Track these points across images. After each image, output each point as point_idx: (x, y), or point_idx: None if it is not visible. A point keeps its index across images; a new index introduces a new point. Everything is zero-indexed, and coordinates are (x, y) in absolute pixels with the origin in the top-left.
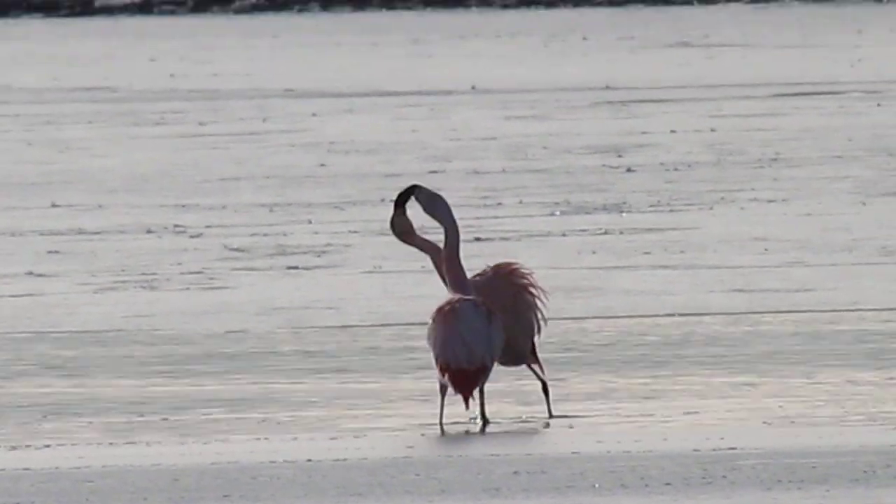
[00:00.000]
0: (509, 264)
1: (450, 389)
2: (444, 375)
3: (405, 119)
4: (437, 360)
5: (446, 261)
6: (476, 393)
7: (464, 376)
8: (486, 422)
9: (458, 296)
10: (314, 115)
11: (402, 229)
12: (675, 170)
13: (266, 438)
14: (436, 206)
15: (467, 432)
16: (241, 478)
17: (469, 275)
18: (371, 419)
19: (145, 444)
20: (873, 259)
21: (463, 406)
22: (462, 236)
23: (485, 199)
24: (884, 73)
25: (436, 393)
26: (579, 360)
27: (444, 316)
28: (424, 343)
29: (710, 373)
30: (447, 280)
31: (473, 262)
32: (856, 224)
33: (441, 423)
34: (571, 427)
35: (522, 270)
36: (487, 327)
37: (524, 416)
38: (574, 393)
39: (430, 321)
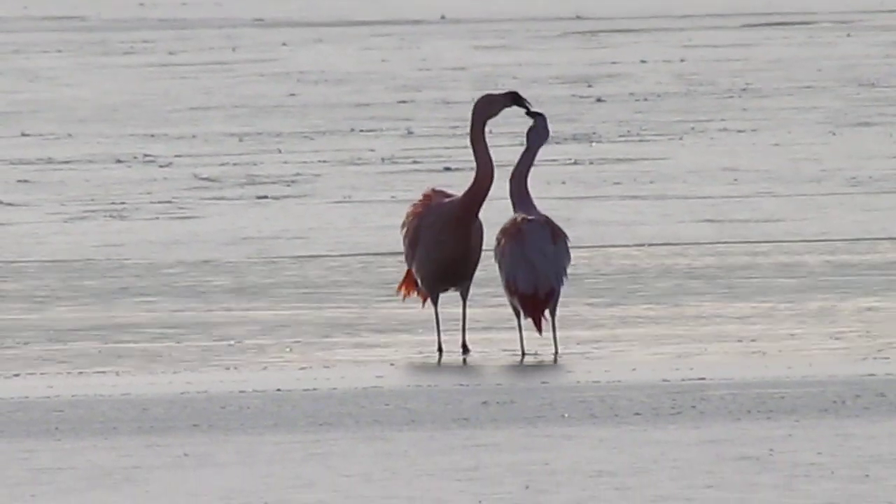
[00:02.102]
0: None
1: (521, 311)
2: (513, 297)
3: (375, 49)
4: (505, 283)
5: (517, 179)
6: (548, 314)
7: (533, 301)
8: (557, 349)
9: (522, 215)
10: (284, 44)
11: (486, 117)
12: (645, 100)
13: (235, 368)
14: (536, 128)
15: (438, 363)
16: (211, 407)
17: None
18: (341, 349)
19: (115, 373)
20: (842, 189)
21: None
22: (431, 166)
23: (454, 128)
24: (854, 3)
25: (396, 322)
26: None
27: (512, 237)
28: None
29: (679, 303)
30: (514, 199)
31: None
32: (825, 154)
33: (522, 348)
34: (540, 357)
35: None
36: (553, 248)
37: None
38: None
39: (497, 242)
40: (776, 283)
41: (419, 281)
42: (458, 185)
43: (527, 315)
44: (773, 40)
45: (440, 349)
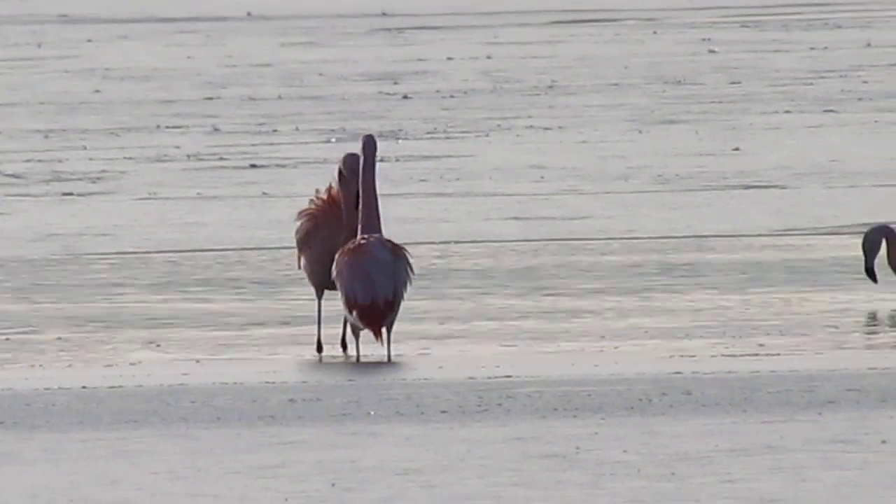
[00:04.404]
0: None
1: (360, 326)
2: (352, 313)
3: (181, 45)
4: (345, 298)
5: (365, 197)
6: (384, 330)
7: (371, 311)
8: (389, 360)
9: (365, 235)
10: (89, 41)
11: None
12: (452, 97)
13: (41, 366)
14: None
15: (320, 361)
16: (16, 405)
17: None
18: (144, 346)
19: None
20: (649, 187)
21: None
22: (237, 163)
23: (261, 125)
24: (660, 2)
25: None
26: None
27: (351, 252)
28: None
29: (483, 300)
30: (361, 218)
31: (250, 188)
32: (631, 152)
33: (358, 354)
34: (347, 355)
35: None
36: (393, 260)
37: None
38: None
39: (336, 262)
40: (582, 281)
41: (307, 278)
42: (264, 181)
43: (366, 326)
44: (580, 38)
45: (319, 347)
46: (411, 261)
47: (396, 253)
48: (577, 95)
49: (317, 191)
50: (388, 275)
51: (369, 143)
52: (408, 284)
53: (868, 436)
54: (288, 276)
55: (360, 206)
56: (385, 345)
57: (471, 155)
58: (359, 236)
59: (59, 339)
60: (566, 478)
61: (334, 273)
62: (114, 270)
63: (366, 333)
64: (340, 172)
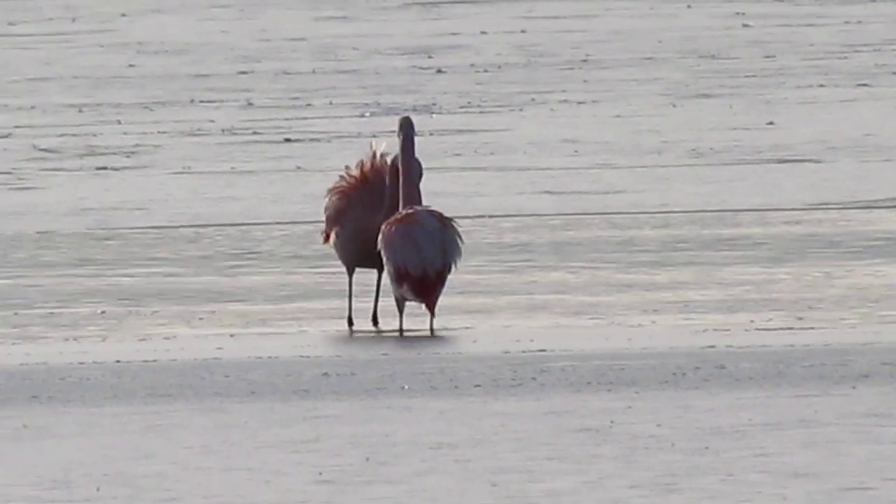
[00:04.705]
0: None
1: (410, 298)
2: (402, 285)
3: (214, 20)
4: (395, 269)
5: (405, 174)
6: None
7: (423, 283)
8: (432, 333)
9: (409, 206)
10: (123, 15)
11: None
12: (486, 71)
13: (75, 339)
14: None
15: (350, 335)
16: (50, 379)
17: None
18: (178, 320)
19: None
20: (683, 161)
21: (429, 317)
22: (271, 137)
23: (295, 99)
24: None
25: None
26: None
27: (399, 222)
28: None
29: (519, 274)
30: (402, 195)
31: (284, 162)
32: (665, 126)
33: (401, 327)
34: (380, 330)
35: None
36: (441, 232)
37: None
38: (386, 295)
39: (382, 233)
40: (616, 255)
41: (337, 256)
42: (298, 155)
43: (418, 298)
44: (614, 11)
45: (350, 321)
46: (461, 231)
47: (444, 223)
48: (611, 69)
49: (346, 167)
50: (436, 244)
51: (407, 124)
52: (458, 256)
53: None
54: (320, 251)
55: (402, 183)
56: (430, 317)
57: (505, 129)
58: (402, 209)
59: (102, 312)
60: (600, 451)
61: (380, 244)
62: (148, 245)
63: (410, 305)
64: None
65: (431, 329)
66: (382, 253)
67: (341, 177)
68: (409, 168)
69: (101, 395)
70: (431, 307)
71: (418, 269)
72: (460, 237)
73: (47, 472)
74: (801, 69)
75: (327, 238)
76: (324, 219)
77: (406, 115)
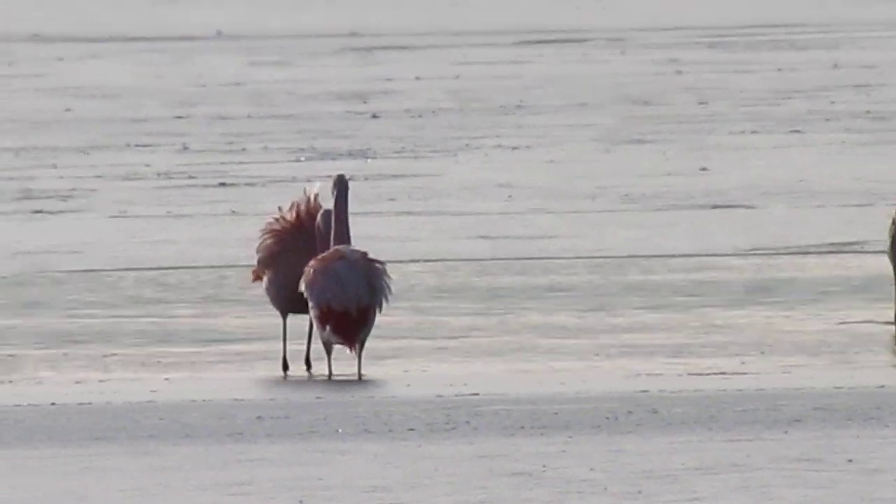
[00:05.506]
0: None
1: (334, 339)
2: (325, 328)
3: (150, 65)
4: (317, 308)
5: (337, 218)
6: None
7: (345, 320)
8: (360, 377)
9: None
10: (60, 59)
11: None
12: (420, 116)
13: (10, 381)
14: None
15: (284, 378)
16: None
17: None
18: (113, 363)
19: None
20: (616, 206)
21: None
22: (207, 181)
23: (230, 144)
24: (627, 21)
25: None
26: None
27: (322, 259)
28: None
29: (453, 318)
30: (333, 238)
31: (219, 206)
32: (599, 171)
33: (329, 370)
34: (313, 373)
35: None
36: (366, 267)
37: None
38: (316, 338)
39: (306, 273)
40: (549, 300)
41: (269, 300)
42: (233, 200)
43: (339, 338)
44: (547, 58)
45: (285, 365)
46: (389, 273)
47: (369, 259)
48: (544, 115)
49: (280, 209)
50: (361, 277)
51: (341, 181)
52: (386, 295)
53: (834, 454)
54: (256, 294)
55: (333, 227)
56: (357, 360)
57: (439, 174)
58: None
59: (30, 355)
60: (533, 496)
61: (303, 284)
62: (83, 288)
63: (337, 349)
64: (318, 228)
65: (359, 373)
66: (306, 294)
67: (276, 219)
68: (340, 215)
69: (37, 438)
70: (351, 345)
71: (340, 305)
72: (388, 276)
73: None
74: (733, 115)
75: (257, 278)
76: (256, 259)
77: (341, 173)
